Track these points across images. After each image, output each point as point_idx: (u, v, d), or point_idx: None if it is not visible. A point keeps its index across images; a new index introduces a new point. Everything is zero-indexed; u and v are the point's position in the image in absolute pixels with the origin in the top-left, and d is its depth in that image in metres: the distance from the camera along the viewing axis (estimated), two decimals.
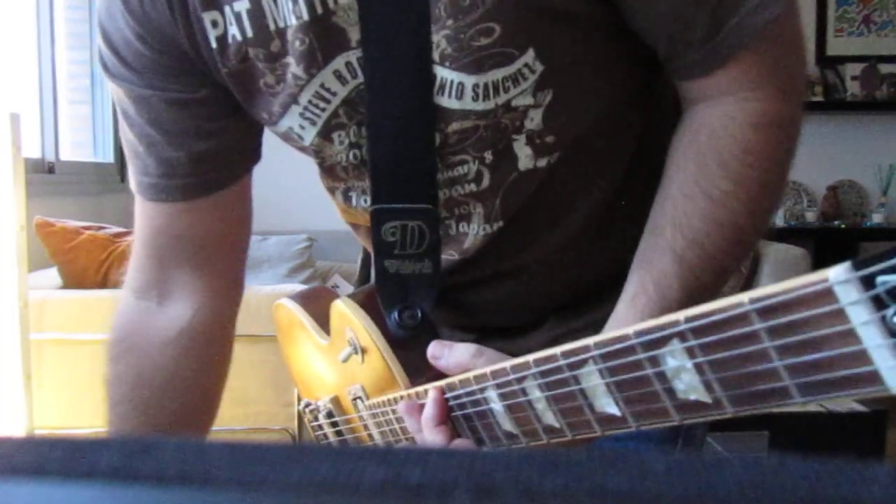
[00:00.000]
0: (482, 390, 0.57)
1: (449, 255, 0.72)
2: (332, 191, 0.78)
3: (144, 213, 0.77)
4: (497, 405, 0.56)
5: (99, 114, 3.54)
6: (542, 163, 0.67)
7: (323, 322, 0.84)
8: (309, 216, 4.09)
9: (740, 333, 0.38)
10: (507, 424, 0.56)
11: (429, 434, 0.62)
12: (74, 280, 2.20)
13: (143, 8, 0.67)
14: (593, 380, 0.47)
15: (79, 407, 2.07)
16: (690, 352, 0.40)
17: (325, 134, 0.69)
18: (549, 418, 0.52)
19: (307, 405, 0.90)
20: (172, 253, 0.77)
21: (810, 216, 4.05)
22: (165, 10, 0.66)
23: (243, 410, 2.09)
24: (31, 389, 1.80)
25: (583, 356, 0.46)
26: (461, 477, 0.18)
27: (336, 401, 0.83)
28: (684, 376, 0.42)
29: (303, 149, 0.73)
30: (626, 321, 0.62)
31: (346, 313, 0.74)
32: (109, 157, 3.59)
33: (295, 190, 4.16)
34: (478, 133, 0.65)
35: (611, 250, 0.73)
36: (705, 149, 0.63)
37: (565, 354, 0.48)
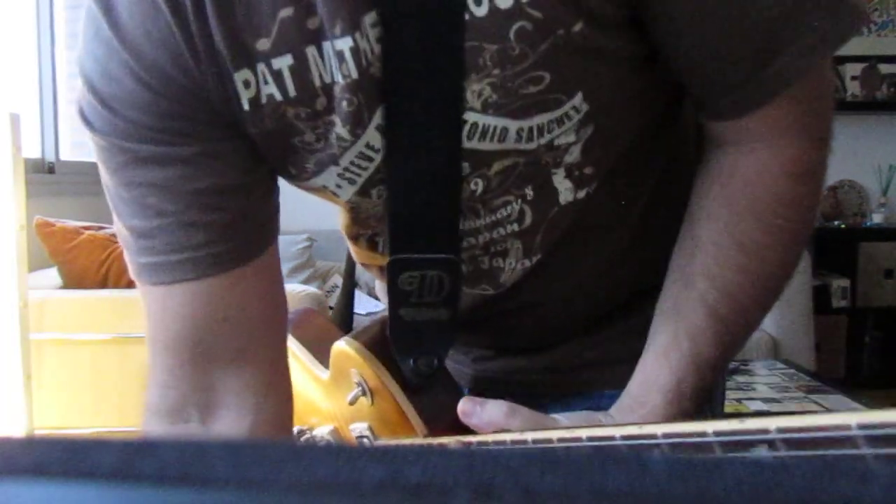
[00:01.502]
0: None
1: (482, 290, 0.70)
2: (354, 236, 0.74)
3: (164, 306, 0.62)
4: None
5: None
6: (582, 194, 0.65)
7: (315, 349, 0.81)
8: (309, 216, 4.09)
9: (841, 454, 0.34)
10: None
11: None
12: (74, 280, 2.20)
13: (157, 64, 0.57)
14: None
15: (79, 407, 2.07)
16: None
17: (364, 191, 0.64)
18: None
19: (300, 432, 0.86)
20: (213, 347, 0.63)
21: None
22: (192, 66, 0.58)
23: None
24: (31, 389, 1.80)
25: (647, 442, 0.42)
26: (461, 477, 0.18)
27: (335, 432, 0.79)
28: None
29: (333, 202, 0.69)
30: (658, 375, 0.61)
31: (353, 356, 0.70)
32: None
33: (295, 190, 4.15)
34: (517, 170, 0.63)
35: (641, 266, 0.72)
36: (739, 198, 0.61)
37: (625, 438, 0.44)
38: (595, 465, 0.18)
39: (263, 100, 0.59)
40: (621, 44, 0.58)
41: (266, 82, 0.58)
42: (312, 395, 0.82)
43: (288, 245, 3.55)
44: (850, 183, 4.19)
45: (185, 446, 0.20)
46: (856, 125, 4.12)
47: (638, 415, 0.61)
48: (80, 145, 3.45)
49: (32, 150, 2.92)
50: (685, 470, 0.18)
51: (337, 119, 0.59)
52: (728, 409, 2.60)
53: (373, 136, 0.60)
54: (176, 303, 0.62)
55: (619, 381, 0.67)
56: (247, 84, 0.58)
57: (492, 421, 0.60)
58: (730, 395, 2.52)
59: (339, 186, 0.64)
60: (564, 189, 0.65)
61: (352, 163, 0.62)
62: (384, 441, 0.73)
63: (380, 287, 0.90)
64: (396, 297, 0.64)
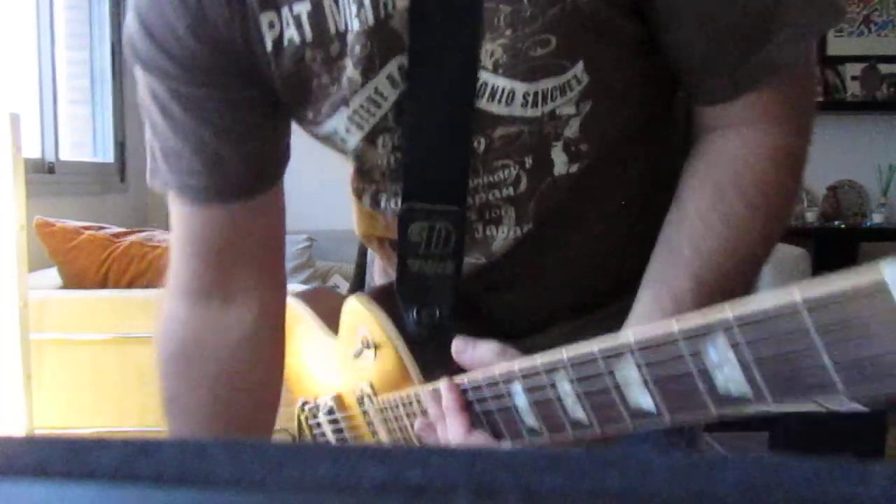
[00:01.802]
0: (507, 384, 0.57)
1: (475, 259, 0.73)
2: (360, 193, 0.77)
3: (193, 217, 0.74)
4: (521, 400, 0.56)
5: (99, 114, 3.54)
6: (574, 168, 0.69)
7: (328, 321, 0.84)
8: (309, 216, 4.09)
9: (789, 329, 0.39)
10: (531, 420, 0.57)
11: (450, 421, 0.62)
12: (74, 280, 2.20)
13: (200, 4, 0.65)
14: (630, 374, 0.47)
15: (79, 407, 2.07)
16: (735, 346, 0.41)
17: (371, 138, 0.69)
18: (579, 413, 0.52)
19: (304, 403, 0.90)
20: (233, 255, 0.76)
21: (810, 216, 4.05)
22: (224, 7, 0.64)
23: None
24: (31, 389, 1.80)
25: (621, 350, 0.47)
26: (461, 477, 0.18)
27: (338, 398, 0.84)
28: (727, 370, 0.42)
29: (342, 151, 0.73)
30: None
31: (362, 309, 0.75)
32: (109, 157, 3.59)
33: (295, 190, 4.15)
34: (521, 138, 0.67)
35: (627, 255, 0.74)
36: (724, 176, 0.65)
37: (603, 350, 0.48)
38: (595, 465, 0.18)
39: (285, 42, 0.65)
40: (623, 24, 0.63)
41: (288, 25, 0.64)
42: (321, 367, 0.86)
43: (288, 245, 3.53)
44: (850, 183, 4.19)
45: (185, 446, 0.20)
46: (856, 125, 4.12)
47: None
48: (80, 145, 3.45)
49: (32, 150, 2.92)
50: (685, 470, 0.18)
51: (349, 62, 0.65)
52: None
53: (383, 83, 0.65)
54: (203, 219, 0.74)
55: None
56: (271, 25, 0.65)
57: (483, 359, 0.63)
58: None
59: (347, 132, 0.69)
60: (560, 162, 0.68)
61: (361, 106, 0.67)
62: (383, 398, 0.75)
63: (378, 269, 0.93)
64: (405, 247, 0.70)
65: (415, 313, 0.71)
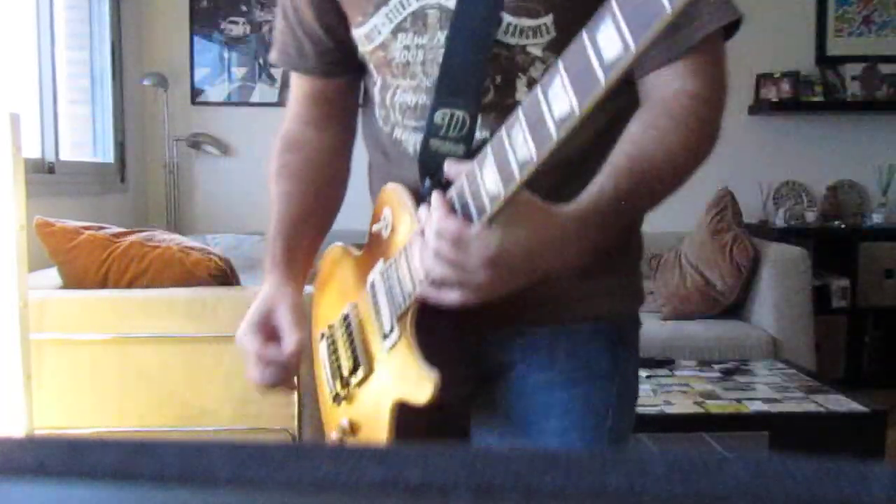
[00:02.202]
0: (474, 176, 0.77)
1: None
2: (371, 86, 1.03)
3: (305, 81, 1.10)
4: (489, 169, 0.75)
5: (99, 114, 3.54)
6: None
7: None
8: None
9: None
10: (490, 181, 0.75)
11: (434, 213, 0.79)
12: (74, 280, 2.20)
13: None
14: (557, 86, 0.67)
15: (79, 407, 2.07)
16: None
17: (396, 32, 0.93)
18: (520, 144, 0.70)
19: (328, 327, 1.08)
20: (328, 106, 1.11)
21: (810, 216, 4.05)
22: None
23: (243, 410, 2.09)
24: (31, 389, 1.80)
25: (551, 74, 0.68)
26: (461, 477, 0.18)
27: (355, 306, 1.02)
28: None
29: (371, 50, 0.97)
30: (587, 206, 0.80)
31: (389, 191, 0.98)
32: (109, 157, 3.59)
33: None
34: (497, 59, 0.89)
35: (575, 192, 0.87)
36: (656, 104, 0.87)
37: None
38: (595, 465, 0.18)
39: None
40: None
41: None
42: (348, 284, 1.07)
43: None
44: (850, 183, 4.19)
45: (185, 446, 0.20)
46: (856, 125, 4.12)
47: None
48: (79, 145, 3.45)
49: (32, 150, 2.92)
50: (685, 470, 0.18)
51: None
52: (728, 408, 2.57)
53: None
54: (311, 83, 1.10)
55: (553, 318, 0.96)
56: None
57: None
58: (730, 395, 2.52)
59: (382, 24, 0.94)
60: (521, 94, 0.90)
61: (395, 5, 0.92)
62: (394, 266, 0.93)
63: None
64: (430, 129, 0.90)
65: (428, 180, 0.90)
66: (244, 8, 3.98)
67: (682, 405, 2.38)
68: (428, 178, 0.90)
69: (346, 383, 1.02)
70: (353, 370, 1.00)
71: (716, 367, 2.85)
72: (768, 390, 2.56)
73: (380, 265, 0.97)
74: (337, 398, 1.05)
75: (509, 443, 0.97)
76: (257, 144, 4.04)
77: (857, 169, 4.16)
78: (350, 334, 1.02)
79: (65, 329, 2.06)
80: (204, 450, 0.19)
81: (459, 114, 0.89)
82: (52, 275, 2.26)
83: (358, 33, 0.98)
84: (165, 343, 2.08)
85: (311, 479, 0.18)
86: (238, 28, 3.99)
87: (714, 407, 2.37)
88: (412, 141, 0.96)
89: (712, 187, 3.57)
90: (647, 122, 0.85)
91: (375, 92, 1.02)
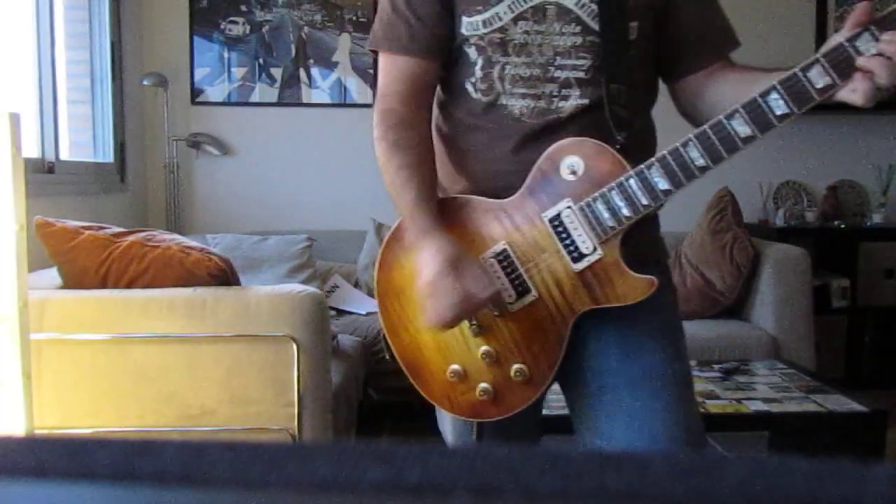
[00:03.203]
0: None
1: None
2: (465, 68, 1.23)
3: (412, 64, 1.25)
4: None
5: (99, 114, 3.54)
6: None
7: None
8: (309, 216, 4.09)
9: None
10: (699, 157, 1.11)
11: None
12: (74, 280, 2.20)
13: None
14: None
15: (79, 407, 2.07)
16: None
17: (516, 20, 1.17)
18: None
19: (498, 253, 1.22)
20: (423, 85, 1.26)
21: (810, 216, 4.05)
22: None
23: (243, 410, 2.09)
24: (31, 389, 1.80)
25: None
26: (461, 477, 0.18)
27: (510, 243, 1.20)
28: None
29: (486, 33, 1.19)
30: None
31: (574, 143, 1.16)
32: (109, 157, 3.59)
33: (295, 190, 4.17)
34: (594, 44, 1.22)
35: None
36: (725, 73, 1.27)
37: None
38: (595, 465, 0.18)
39: None
40: (652, 13, 1.24)
41: None
42: (483, 225, 1.23)
43: (288, 245, 3.55)
44: (850, 183, 4.19)
45: (185, 446, 0.20)
46: (856, 125, 4.12)
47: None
48: (80, 145, 3.45)
49: (32, 150, 2.92)
50: (685, 470, 0.18)
51: None
52: (728, 409, 2.57)
53: None
54: (410, 66, 1.25)
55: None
56: None
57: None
58: (730, 395, 2.52)
59: (504, 13, 1.18)
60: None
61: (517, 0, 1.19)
62: (602, 198, 1.15)
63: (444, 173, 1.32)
64: (609, 97, 1.18)
65: (623, 132, 1.18)
66: (244, 8, 3.98)
67: None
68: (621, 133, 1.16)
69: (501, 312, 1.20)
70: (521, 295, 1.19)
71: (716, 367, 2.85)
72: (768, 390, 2.56)
73: (565, 202, 1.16)
74: (476, 328, 1.21)
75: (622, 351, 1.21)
76: (257, 144, 4.04)
77: (857, 169, 4.16)
78: (511, 267, 1.20)
79: (64, 329, 2.06)
80: (204, 450, 0.19)
81: (621, 88, 1.18)
82: (52, 275, 2.26)
83: (473, 20, 1.19)
84: (165, 343, 2.08)
85: (311, 479, 0.18)
86: (238, 28, 3.99)
87: (714, 407, 2.37)
88: (518, 106, 1.19)
89: (712, 187, 3.57)
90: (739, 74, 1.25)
91: (476, 70, 1.21)
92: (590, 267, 1.15)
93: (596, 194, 1.15)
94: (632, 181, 1.12)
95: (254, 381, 2.09)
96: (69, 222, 2.25)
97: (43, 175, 2.94)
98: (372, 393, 3.22)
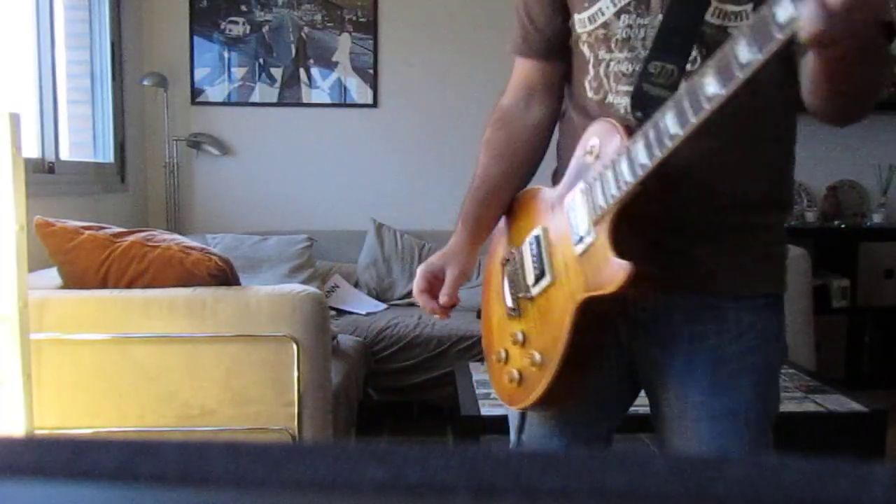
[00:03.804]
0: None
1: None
2: (581, 67, 1.21)
3: (522, 64, 1.30)
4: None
5: (99, 114, 3.54)
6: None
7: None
8: (309, 216, 4.09)
9: None
10: (671, 123, 0.97)
11: None
12: (74, 280, 2.20)
13: None
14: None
15: (79, 407, 2.07)
16: None
17: (619, 14, 1.14)
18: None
19: (511, 251, 1.26)
20: (536, 85, 1.30)
21: (810, 216, 4.05)
22: None
23: (243, 410, 2.09)
24: (31, 389, 1.80)
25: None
26: (461, 477, 0.18)
27: (545, 228, 1.20)
28: None
29: (592, 30, 1.16)
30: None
31: (600, 123, 1.13)
32: (109, 157, 3.59)
33: (295, 190, 4.17)
34: (704, 36, 1.09)
35: (747, 176, 1.15)
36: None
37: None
38: (595, 465, 0.18)
39: None
40: None
41: None
42: (534, 212, 1.25)
43: (288, 245, 3.55)
44: (850, 183, 4.19)
45: (185, 446, 0.20)
46: (856, 125, 4.12)
47: None
48: (80, 145, 3.45)
49: (32, 150, 2.92)
50: (685, 470, 0.18)
51: None
52: None
53: None
54: (527, 65, 1.30)
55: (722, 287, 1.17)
56: None
57: None
58: None
59: (607, 8, 1.15)
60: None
61: None
62: (600, 178, 1.09)
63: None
64: (644, 76, 1.10)
65: (640, 113, 1.08)
66: (244, 8, 3.98)
67: None
68: (639, 111, 1.10)
69: (527, 296, 1.21)
70: (538, 279, 1.18)
71: None
72: None
73: (580, 185, 1.14)
74: (514, 312, 1.24)
75: (701, 396, 1.17)
76: (257, 144, 4.04)
77: (857, 169, 4.16)
78: (539, 251, 1.20)
79: (65, 329, 2.06)
80: (204, 450, 0.19)
81: (670, 67, 1.09)
82: (52, 275, 2.26)
83: (581, 17, 1.18)
84: (165, 343, 2.08)
85: (311, 479, 0.18)
86: (238, 28, 3.99)
87: None
88: (623, 104, 1.15)
89: None
90: None
91: (589, 68, 1.20)
92: (586, 250, 1.11)
93: (596, 174, 1.12)
94: (623, 158, 1.06)
95: (254, 381, 2.09)
96: (69, 222, 2.25)
97: (43, 175, 2.94)
98: (372, 393, 3.22)
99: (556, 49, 1.26)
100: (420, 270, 1.28)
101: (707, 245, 1.15)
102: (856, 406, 2.37)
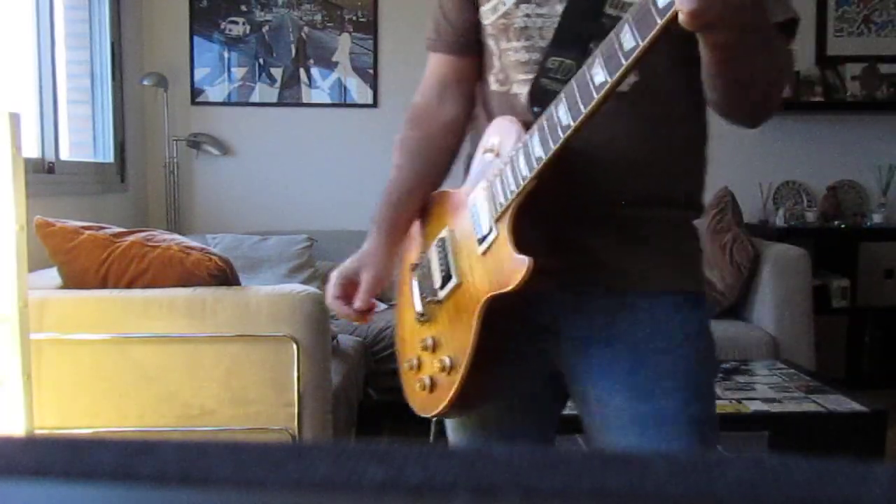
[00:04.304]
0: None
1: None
2: (487, 61, 1.20)
3: (438, 60, 1.28)
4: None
5: (99, 114, 3.54)
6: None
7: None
8: (309, 216, 4.09)
9: None
10: (564, 115, 0.97)
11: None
12: (74, 280, 2.20)
13: None
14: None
15: (79, 407, 2.07)
16: None
17: (518, 3, 1.12)
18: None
19: (420, 255, 1.24)
20: (451, 80, 1.27)
21: (810, 216, 4.05)
22: None
23: (243, 410, 2.09)
24: (31, 389, 1.80)
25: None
26: (461, 477, 0.18)
27: (451, 229, 1.18)
28: None
29: (494, 20, 1.15)
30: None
31: (500, 121, 1.13)
32: (109, 157, 3.59)
33: (295, 190, 4.17)
34: (604, 27, 1.00)
35: (653, 166, 1.11)
36: None
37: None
38: (595, 465, 0.18)
39: None
40: None
41: None
42: (442, 215, 1.23)
43: (288, 245, 3.55)
44: (850, 183, 4.19)
45: (185, 446, 0.20)
46: (856, 125, 4.12)
47: None
48: (80, 145, 3.45)
49: (32, 150, 2.92)
50: (685, 470, 0.18)
51: None
52: (728, 409, 2.57)
53: None
54: (439, 61, 1.28)
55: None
56: None
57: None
58: (730, 395, 2.52)
59: None
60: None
61: None
62: (500, 175, 1.08)
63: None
64: (543, 71, 1.08)
65: (536, 109, 1.06)
66: (244, 8, 3.98)
67: None
68: (536, 107, 1.07)
69: (435, 300, 1.17)
70: (445, 282, 1.15)
71: None
72: (768, 390, 2.56)
73: (482, 183, 1.12)
74: (423, 317, 1.20)
75: (620, 397, 1.11)
76: (257, 144, 4.04)
77: (857, 169, 4.16)
78: (444, 253, 1.18)
79: (65, 329, 2.06)
80: (204, 450, 0.19)
81: (568, 62, 1.06)
82: (52, 275, 2.26)
83: (485, 8, 1.17)
84: (165, 343, 2.08)
85: (311, 479, 0.18)
86: (238, 28, 3.99)
87: None
88: (524, 92, 1.13)
89: (712, 187, 3.57)
90: None
91: (494, 61, 1.18)
92: (489, 248, 1.08)
93: (497, 171, 1.09)
94: (520, 152, 1.04)
95: (254, 381, 2.09)
96: (69, 222, 2.25)
97: (43, 175, 2.94)
98: (372, 393, 3.22)
99: (469, 44, 1.24)
100: (333, 276, 1.23)
101: (607, 237, 1.11)
102: (856, 406, 2.37)
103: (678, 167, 1.14)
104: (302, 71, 4.02)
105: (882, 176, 4.13)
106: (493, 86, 1.19)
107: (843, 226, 4.03)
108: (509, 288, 1.01)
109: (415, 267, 1.25)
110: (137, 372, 2.08)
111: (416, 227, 1.29)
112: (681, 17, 0.78)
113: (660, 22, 0.81)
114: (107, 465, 0.19)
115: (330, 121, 4.05)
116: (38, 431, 1.92)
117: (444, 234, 1.20)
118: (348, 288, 1.21)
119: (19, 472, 0.19)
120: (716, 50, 0.89)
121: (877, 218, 4.08)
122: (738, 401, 2.43)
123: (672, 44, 0.89)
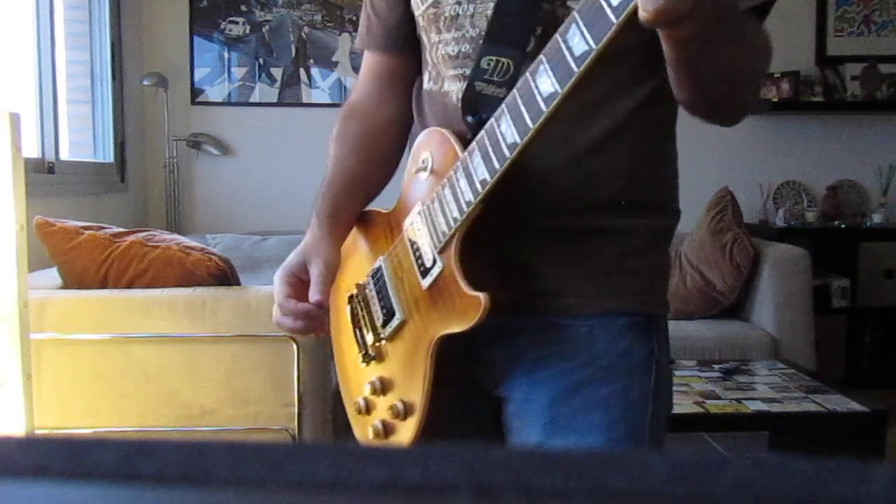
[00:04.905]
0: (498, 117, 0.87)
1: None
2: (428, 51, 1.08)
3: (372, 58, 1.19)
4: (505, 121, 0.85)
5: (99, 114, 3.54)
6: None
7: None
8: (309, 216, 4.09)
9: None
10: (508, 131, 0.85)
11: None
12: (74, 280, 2.20)
13: None
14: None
15: (79, 407, 2.07)
16: None
17: None
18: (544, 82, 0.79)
19: (355, 287, 1.13)
20: (387, 79, 1.18)
21: (810, 216, 4.05)
22: None
23: (243, 410, 2.09)
24: (31, 389, 1.80)
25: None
26: (461, 477, 0.18)
27: (387, 257, 1.07)
28: None
29: (424, 10, 1.04)
30: None
31: (430, 134, 1.02)
32: (109, 157, 3.59)
33: (295, 190, 4.16)
34: (542, 14, 0.94)
35: (606, 172, 0.98)
36: None
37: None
38: (595, 465, 0.18)
39: None
40: None
41: None
42: (373, 241, 1.14)
43: (288, 245, 3.53)
44: (850, 183, 4.19)
45: (185, 446, 0.20)
46: (856, 125, 4.12)
47: None
48: (80, 145, 3.45)
49: (32, 150, 2.92)
50: (685, 470, 0.18)
51: None
52: (728, 409, 2.56)
53: None
54: (375, 59, 1.19)
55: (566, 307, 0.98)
56: None
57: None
58: (730, 395, 2.52)
59: None
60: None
61: None
62: (437, 199, 0.96)
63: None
64: (476, 73, 0.96)
65: (471, 117, 0.95)
66: (244, 8, 3.98)
67: (682, 405, 2.38)
68: (470, 115, 0.95)
69: (378, 338, 1.05)
70: (388, 320, 1.03)
71: (716, 367, 2.85)
72: (768, 390, 2.56)
73: (417, 207, 1.00)
74: (366, 357, 1.08)
75: (552, 437, 0.99)
76: (257, 144, 4.04)
77: (857, 169, 4.16)
78: (382, 286, 1.06)
79: (65, 329, 2.06)
80: (204, 450, 0.19)
81: (504, 61, 0.94)
82: (52, 275, 2.26)
83: None
84: (165, 343, 2.08)
85: (311, 479, 0.18)
86: (238, 28, 3.99)
87: (714, 407, 2.37)
88: (455, 89, 1.02)
89: (712, 187, 3.57)
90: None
91: (427, 56, 1.09)
92: (435, 282, 0.95)
93: (434, 194, 0.97)
94: (460, 173, 0.92)
95: (254, 381, 2.09)
96: (69, 222, 2.25)
97: (43, 175, 2.94)
98: None
99: (401, 40, 1.13)
100: (278, 276, 1.07)
101: (548, 253, 0.99)
102: (856, 406, 2.37)
103: (632, 168, 0.99)
104: (302, 71, 4.02)
105: (882, 176, 4.13)
106: (426, 84, 1.09)
107: (843, 226, 4.03)
108: (466, 328, 0.90)
109: (350, 299, 1.13)
110: (137, 372, 2.08)
111: (346, 248, 1.14)
112: (641, 15, 0.67)
113: (616, 22, 0.70)
114: (107, 465, 0.19)
115: (330, 121, 4.01)
116: (38, 431, 1.92)
117: (379, 262, 1.08)
118: (297, 286, 1.06)
119: (19, 472, 0.19)
120: (680, 45, 0.77)
121: (877, 218, 4.08)
122: (739, 401, 2.43)
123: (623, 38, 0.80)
